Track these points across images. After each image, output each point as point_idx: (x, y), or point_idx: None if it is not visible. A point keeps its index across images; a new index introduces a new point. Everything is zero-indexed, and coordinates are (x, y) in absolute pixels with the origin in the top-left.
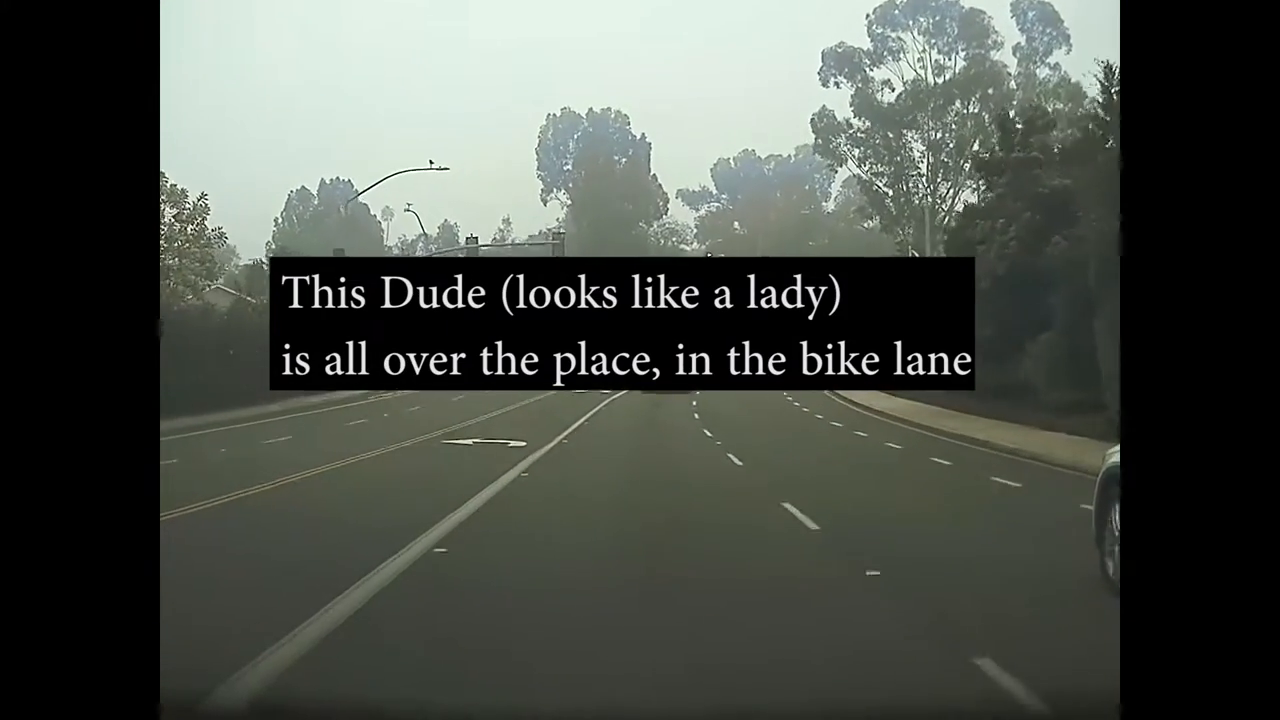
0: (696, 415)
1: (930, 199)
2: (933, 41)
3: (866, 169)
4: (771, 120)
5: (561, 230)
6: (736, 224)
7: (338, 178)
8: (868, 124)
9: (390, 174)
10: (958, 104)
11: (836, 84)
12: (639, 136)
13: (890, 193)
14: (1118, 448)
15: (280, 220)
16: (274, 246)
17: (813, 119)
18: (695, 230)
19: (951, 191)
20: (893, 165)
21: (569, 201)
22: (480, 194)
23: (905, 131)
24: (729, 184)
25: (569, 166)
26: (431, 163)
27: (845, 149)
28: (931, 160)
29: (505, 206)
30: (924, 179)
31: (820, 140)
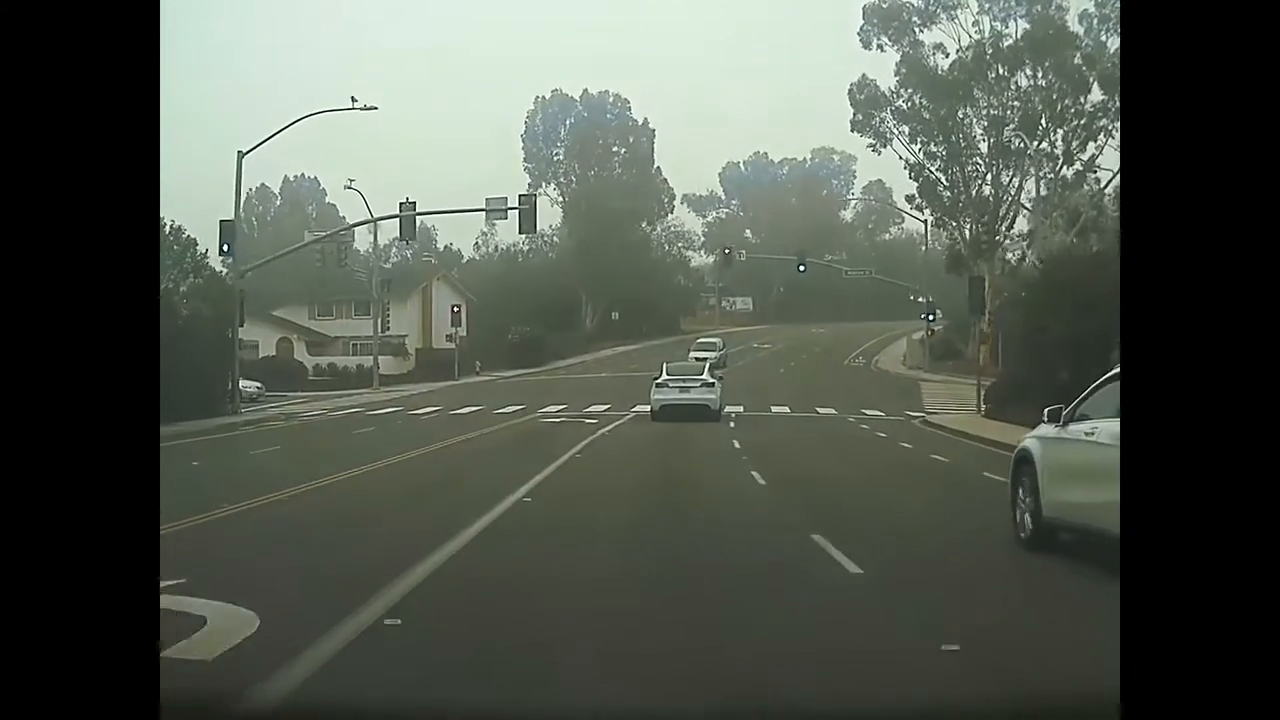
0: (757, 476)
1: (994, 189)
2: (986, 6)
3: (919, 148)
4: (786, 121)
5: (533, 194)
6: (748, 231)
7: (303, 175)
8: (919, 95)
9: (301, 116)
10: (1027, 69)
11: (880, 46)
12: (641, 121)
13: (944, 179)
14: (1030, 433)
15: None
16: (226, 250)
17: (851, 89)
18: (703, 238)
19: (1015, 180)
20: (947, 145)
21: (559, 198)
22: (461, 194)
23: (963, 106)
24: (738, 188)
25: (560, 156)
26: (354, 99)
27: (891, 126)
28: (993, 141)
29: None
30: (983, 161)
31: (860, 115)
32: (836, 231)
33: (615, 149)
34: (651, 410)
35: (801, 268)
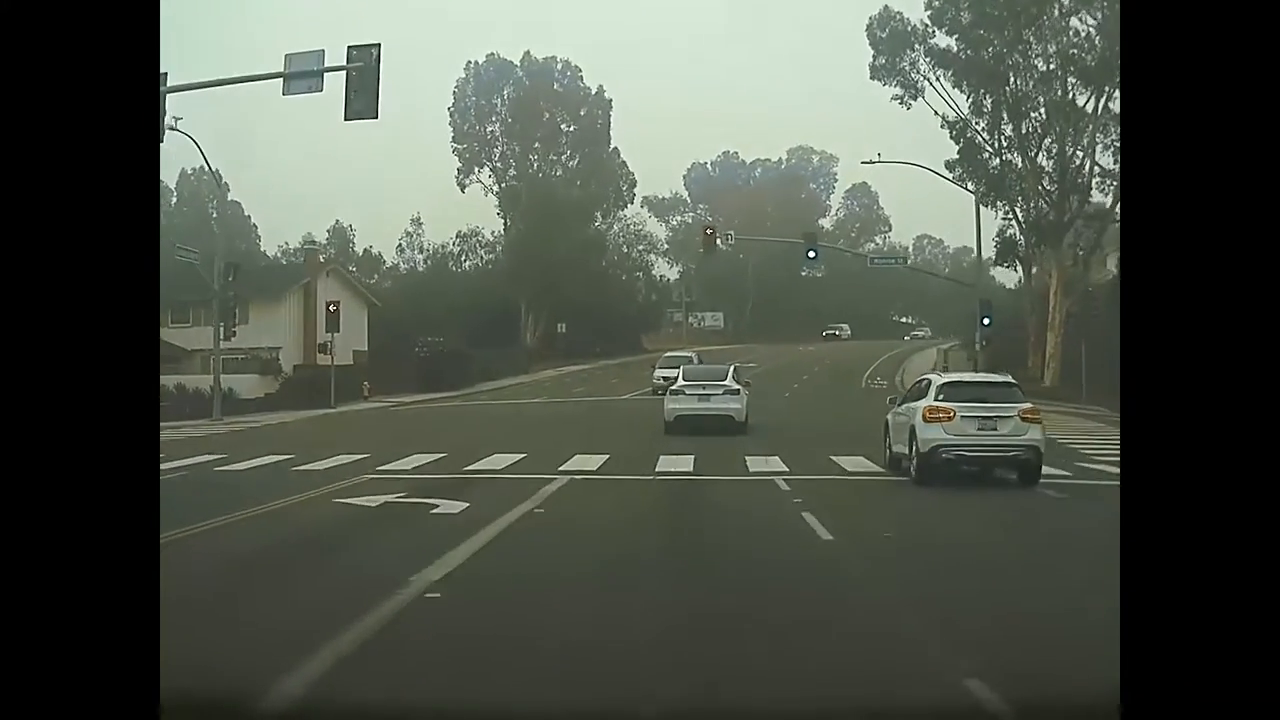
0: None
1: (1058, 155)
2: None
3: (967, 97)
4: (762, 117)
5: (374, 44)
6: (718, 238)
7: (202, 168)
8: (957, 34)
9: None
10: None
11: None
12: (595, 90)
13: (990, 142)
14: (899, 406)
15: None
16: None
17: (870, 24)
18: (667, 245)
19: (1084, 148)
20: (998, 95)
21: (495, 185)
22: (396, 190)
23: (1014, 53)
24: (705, 191)
25: (495, 131)
26: None
27: (926, 72)
28: (1052, 96)
29: (417, 201)
30: (1043, 118)
31: (882, 58)
32: (817, 239)
33: (563, 125)
34: (665, 422)
35: (811, 253)
